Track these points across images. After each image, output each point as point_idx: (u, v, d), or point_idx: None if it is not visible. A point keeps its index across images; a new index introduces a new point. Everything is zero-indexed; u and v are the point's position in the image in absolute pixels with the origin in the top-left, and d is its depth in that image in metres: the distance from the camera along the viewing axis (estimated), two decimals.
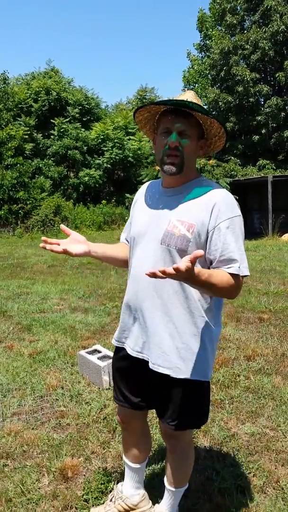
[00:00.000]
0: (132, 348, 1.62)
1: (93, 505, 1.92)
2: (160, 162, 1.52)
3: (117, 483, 2.06)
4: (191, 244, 1.45)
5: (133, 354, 1.61)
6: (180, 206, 1.51)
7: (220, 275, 1.40)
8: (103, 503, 1.93)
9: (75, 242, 1.55)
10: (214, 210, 1.44)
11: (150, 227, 1.55)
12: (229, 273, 1.42)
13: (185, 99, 1.47)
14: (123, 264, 1.76)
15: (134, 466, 1.84)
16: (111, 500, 1.88)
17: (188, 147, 1.48)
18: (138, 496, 1.86)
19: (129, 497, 1.85)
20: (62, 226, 1.57)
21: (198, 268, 1.28)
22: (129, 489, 1.86)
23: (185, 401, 1.54)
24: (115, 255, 1.73)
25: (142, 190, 1.74)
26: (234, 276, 1.42)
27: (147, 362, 1.56)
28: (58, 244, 1.47)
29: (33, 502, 1.95)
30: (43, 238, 1.46)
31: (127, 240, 1.79)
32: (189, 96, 1.52)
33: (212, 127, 1.51)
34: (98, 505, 1.93)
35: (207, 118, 1.46)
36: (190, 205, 1.49)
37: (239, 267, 1.42)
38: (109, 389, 3.01)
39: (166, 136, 1.48)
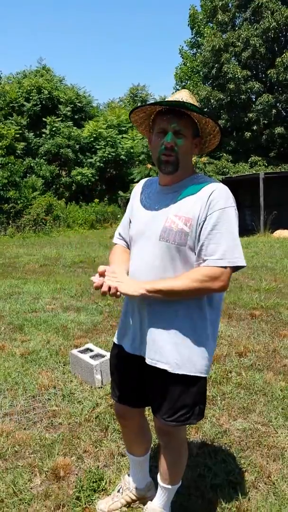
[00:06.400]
0: (130, 345, 1.63)
1: (85, 503, 1.92)
2: (156, 161, 1.55)
3: (110, 481, 2.06)
4: (189, 238, 1.47)
5: (131, 351, 1.62)
6: (177, 202, 1.53)
7: (185, 276, 1.44)
8: (96, 500, 1.93)
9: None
10: (208, 201, 1.47)
11: (148, 225, 1.56)
12: (209, 266, 1.44)
13: (180, 99, 1.49)
14: None
15: (138, 459, 1.88)
16: (118, 491, 1.92)
17: (183, 147, 1.50)
18: (145, 486, 1.92)
19: (136, 488, 1.90)
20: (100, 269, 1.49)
21: (151, 285, 1.42)
22: (136, 480, 1.91)
23: (182, 397, 1.55)
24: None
25: (138, 188, 1.75)
26: (214, 267, 1.44)
27: (145, 359, 1.57)
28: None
29: (25, 502, 1.94)
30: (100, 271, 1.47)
31: (121, 236, 1.78)
32: (184, 95, 1.53)
33: (207, 126, 1.53)
34: (91, 502, 1.93)
35: (202, 118, 1.48)
36: (186, 201, 1.51)
37: (220, 259, 1.44)
38: (101, 387, 3.01)
39: (162, 137, 1.51)
